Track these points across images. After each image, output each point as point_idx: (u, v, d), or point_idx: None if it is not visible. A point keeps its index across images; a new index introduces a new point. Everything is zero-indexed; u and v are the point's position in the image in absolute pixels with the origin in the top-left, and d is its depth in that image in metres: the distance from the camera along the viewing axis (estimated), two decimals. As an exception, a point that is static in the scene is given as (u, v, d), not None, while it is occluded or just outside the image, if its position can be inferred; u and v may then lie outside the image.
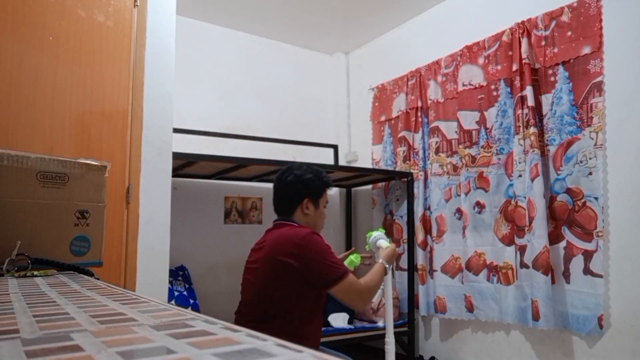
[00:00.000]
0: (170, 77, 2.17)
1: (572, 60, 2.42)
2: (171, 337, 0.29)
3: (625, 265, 2.21)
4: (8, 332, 0.31)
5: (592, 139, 2.33)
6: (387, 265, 1.82)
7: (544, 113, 2.54)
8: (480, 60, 2.88)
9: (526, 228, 2.50)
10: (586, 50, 2.36)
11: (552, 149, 2.49)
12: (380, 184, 3.60)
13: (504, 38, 2.72)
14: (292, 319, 1.64)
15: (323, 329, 2.55)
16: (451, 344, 3.05)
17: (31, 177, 0.95)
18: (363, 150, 3.87)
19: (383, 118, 3.64)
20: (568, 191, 2.40)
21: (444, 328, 3.10)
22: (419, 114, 3.29)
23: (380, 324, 3.06)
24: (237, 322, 1.59)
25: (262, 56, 3.79)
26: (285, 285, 1.63)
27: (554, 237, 2.44)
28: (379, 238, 1.97)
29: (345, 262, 1.98)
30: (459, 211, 2.95)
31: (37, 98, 1.81)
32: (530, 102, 2.51)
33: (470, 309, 2.82)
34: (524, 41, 2.59)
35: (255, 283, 1.71)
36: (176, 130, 2.41)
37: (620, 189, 2.25)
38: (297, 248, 1.61)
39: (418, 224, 3.17)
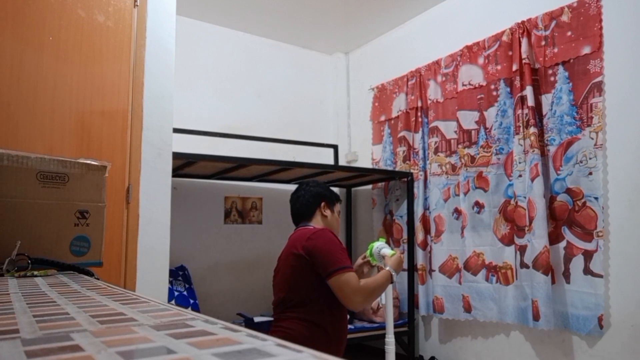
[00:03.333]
0: (170, 77, 2.17)
1: (572, 60, 2.42)
2: (171, 337, 0.29)
3: (625, 265, 2.21)
4: (8, 332, 0.31)
5: (592, 138, 2.33)
6: (393, 273, 1.85)
7: (544, 113, 2.54)
8: (480, 60, 2.87)
9: (526, 228, 2.50)
10: (586, 50, 2.36)
11: (552, 149, 2.48)
12: (380, 184, 3.60)
13: (504, 38, 2.72)
14: (311, 309, 1.72)
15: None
16: (451, 344, 3.05)
17: (31, 177, 0.95)
18: (363, 150, 3.87)
19: (383, 118, 3.64)
20: (568, 191, 2.40)
21: (444, 328, 3.10)
22: (419, 113, 3.29)
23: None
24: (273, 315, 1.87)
25: (262, 56, 3.79)
26: (302, 277, 1.73)
27: (554, 237, 2.44)
28: (381, 247, 1.99)
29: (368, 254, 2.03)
30: (457, 211, 2.95)
31: (37, 98, 1.81)
32: (530, 102, 2.51)
33: (467, 309, 2.82)
34: (524, 41, 2.59)
35: (279, 282, 1.83)
36: (176, 130, 2.41)
37: (620, 189, 2.25)
38: (307, 241, 1.73)
39: (418, 224, 3.16)
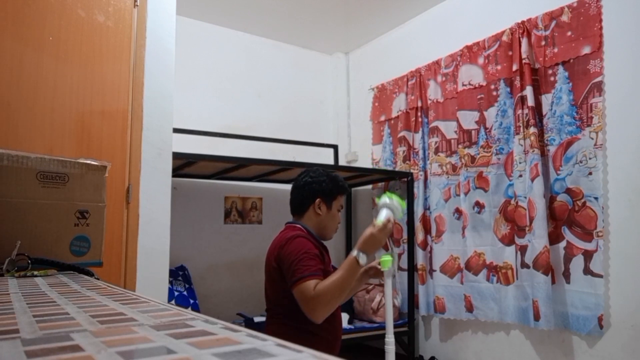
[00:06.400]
0: (170, 77, 2.17)
1: (572, 60, 2.42)
2: (171, 337, 0.29)
3: (625, 265, 2.21)
4: (8, 332, 0.31)
5: (592, 138, 2.33)
6: (358, 255, 1.58)
7: (544, 113, 2.54)
8: (480, 60, 2.87)
9: (526, 228, 2.50)
10: (586, 50, 2.36)
11: (552, 149, 2.48)
12: (380, 184, 3.60)
13: (504, 38, 2.72)
14: (299, 316, 1.65)
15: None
16: (451, 344, 3.05)
17: (31, 177, 0.95)
18: (363, 150, 3.87)
19: (383, 118, 3.64)
20: (568, 191, 2.40)
21: (444, 328, 3.10)
22: (419, 113, 3.29)
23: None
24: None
25: (262, 56, 3.79)
26: (280, 287, 1.67)
27: (554, 237, 2.44)
28: (382, 207, 1.70)
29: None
30: (457, 211, 2.95)
31: (37, 98, 1.81)
32: (530, 102, 2.51)
33: (469, 309, 2.82)
34: (524, 41, 2.59)
35: (266, 286, 1.80)
36: (176, 130, 2.41)
37: (620, 189, 2.25)
38: (279, 250, 1.66)
39: (418, 224, 3.16)
